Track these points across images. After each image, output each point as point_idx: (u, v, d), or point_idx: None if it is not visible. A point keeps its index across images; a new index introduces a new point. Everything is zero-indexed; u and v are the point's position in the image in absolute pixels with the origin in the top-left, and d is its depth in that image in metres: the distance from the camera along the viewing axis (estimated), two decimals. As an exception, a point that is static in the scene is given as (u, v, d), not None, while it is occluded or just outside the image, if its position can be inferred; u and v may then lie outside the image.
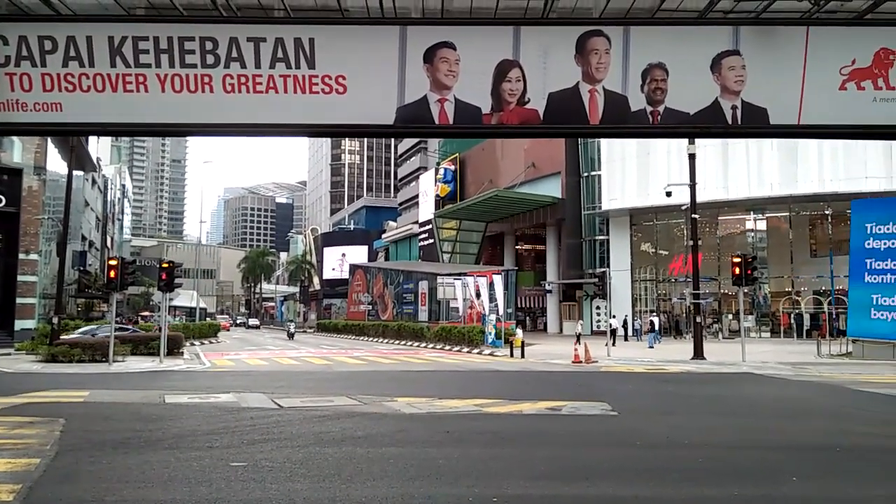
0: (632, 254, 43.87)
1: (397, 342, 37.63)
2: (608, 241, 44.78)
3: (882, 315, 23.33)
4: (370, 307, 52.38)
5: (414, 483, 6.35)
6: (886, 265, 23.25)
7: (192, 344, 33.07)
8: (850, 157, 33.72)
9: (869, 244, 23.88)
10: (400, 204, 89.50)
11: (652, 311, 41.62)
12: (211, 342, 37.76)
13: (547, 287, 50.64)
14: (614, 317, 35.46)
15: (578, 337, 29.64)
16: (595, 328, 43.48)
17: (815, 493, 6.24)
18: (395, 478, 6.54)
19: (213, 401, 12.11)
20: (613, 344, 29.14)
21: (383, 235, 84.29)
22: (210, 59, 8.87)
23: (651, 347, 30.25)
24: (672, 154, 37.08)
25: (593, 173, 45.21)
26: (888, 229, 23.37)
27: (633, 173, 41.35)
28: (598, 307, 43.82)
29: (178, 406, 11.65)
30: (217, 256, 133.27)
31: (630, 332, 39.77)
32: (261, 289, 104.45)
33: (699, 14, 9.22)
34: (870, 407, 12.48)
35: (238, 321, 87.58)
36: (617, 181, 42.45)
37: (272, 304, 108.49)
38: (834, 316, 34.33)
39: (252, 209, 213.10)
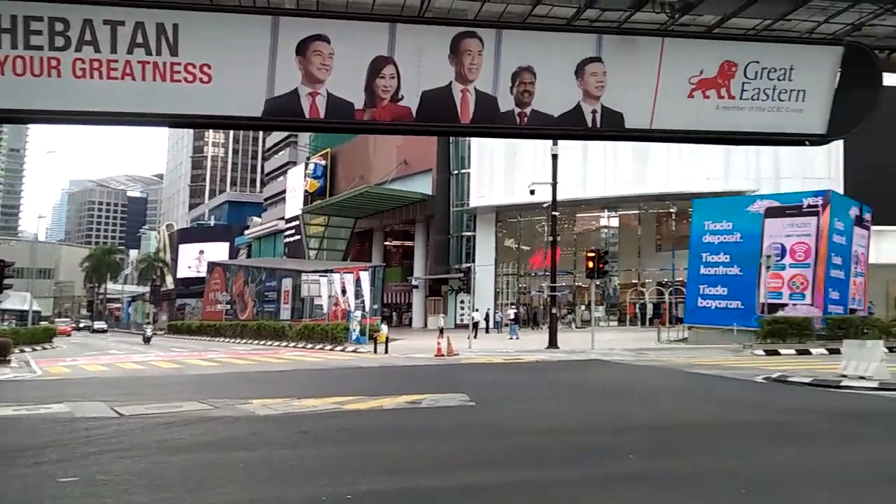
0: (496, 249, 45.24)
1: (256, 342, 36.44)
2: (475, 237, 45.87)
3: (707, 303, 25.78)
4: (228, 307, 50.25)
5: (265, 486, 6.13)
6: (719, 258, 25.67)
7: (23, 350, 29.93)
8: (694, 159, 36.70)
9: (706, 239, 26.25)
10: (266, 199, 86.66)
11: (512, 304, 43.18)
12: (45, 348, 34.36)
13: (414, 282, 51.10)
14: (477, 310, 36.40)
15: (441, 331, 30.21)
16: (459, 322, 44.40)
17: (650, 469, 6.71)
18: (244, 482, 6.29)
19: (43, 412, 10.97)
20: (475, 336, 29.98)
21: (246, 232, 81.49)
22: (59, 41, 8.10)
23: (517, 338, 31.36)
24: (537, 154, 38.52)
25: (463, 171, 46.12)
26: (722, 226, 25.80)
27: (501, 172, 42.62)
28: (462, 301, 44.78)
29: (0, 419, 10.48)
30: (57, 254, 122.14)
31: (491, 325, 41.03)
32: (106, 289, 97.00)
33: (567, 21, 9.67)
34: (698, 386, 13.77)
35: (82, 325, 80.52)
36: (485, 179, 43.58)
37: (118, 305, 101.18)
38: (673, 305, 37.40)
39: (100, 203, 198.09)
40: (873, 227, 27.30)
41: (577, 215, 43.44)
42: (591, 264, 25.00)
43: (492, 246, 45.10)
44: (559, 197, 28.10)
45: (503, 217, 45.14)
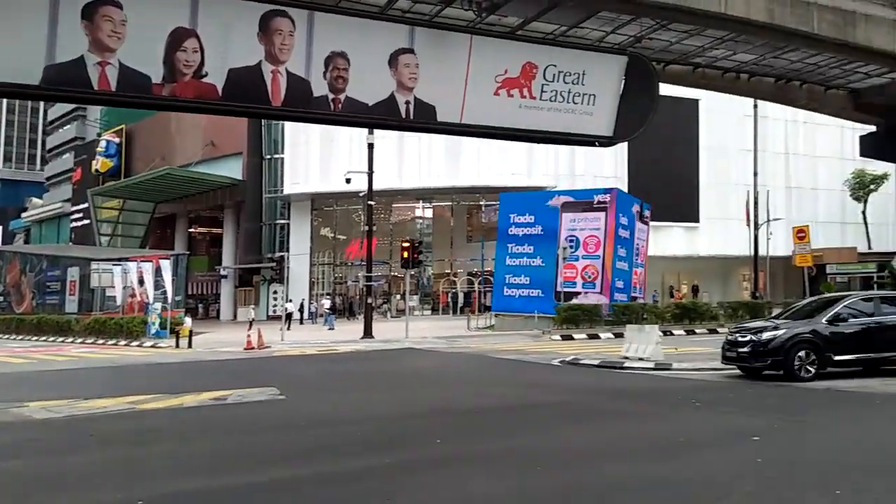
0: (312, 238, 44.41)
1: (36, 338, 32.63)
2: (289, 225, 44.64)
3: (512, 292, 27.48)
4: (1, 299, 44.49)
5: (44, 497, 5.56)
6: (523, 249, 27.39)
7: None
8: (501, 154, 38.68)
9: (511, 231, 27.85)
10: (48, 178, 77.44)
11: (328, 294, 42.76)
12: None
13: (222, 272, 48.63)
14: (291, 301, 35.53)
15: (251, 322, 29.07)
16: (272, 313, 43.09)
17: (456, 452, 7.00)
18: (17, 495, 5.63)
19: None
20: (289, 328, 29.30)
21: (24, 214, 73.17)
22: None
23: (333, 329, 31.08)
24: (354, 142, 38.25)
25: (277, 156, 44.58)
26: (525, 219, 27.53)
27: (317, 158, 41.80)
28: (275, 292, 43.53)
29: None
30: None
31: (307, 316, 40.36)
32: None
33: (380, 9, 9.68)
34: (502, 371, 14.64)
35: None
36: (300, 165, 42.51)
37: None
38: (482, 294, 39.35)
39: None
40: (651, 223, 30.73)
41: (394, 205, 43.99)
42: (406, 254, 25.52)
43: (307, 234, 44.22)
44: (376, 186, 28.22)
45: (319, 205, 44.41)
